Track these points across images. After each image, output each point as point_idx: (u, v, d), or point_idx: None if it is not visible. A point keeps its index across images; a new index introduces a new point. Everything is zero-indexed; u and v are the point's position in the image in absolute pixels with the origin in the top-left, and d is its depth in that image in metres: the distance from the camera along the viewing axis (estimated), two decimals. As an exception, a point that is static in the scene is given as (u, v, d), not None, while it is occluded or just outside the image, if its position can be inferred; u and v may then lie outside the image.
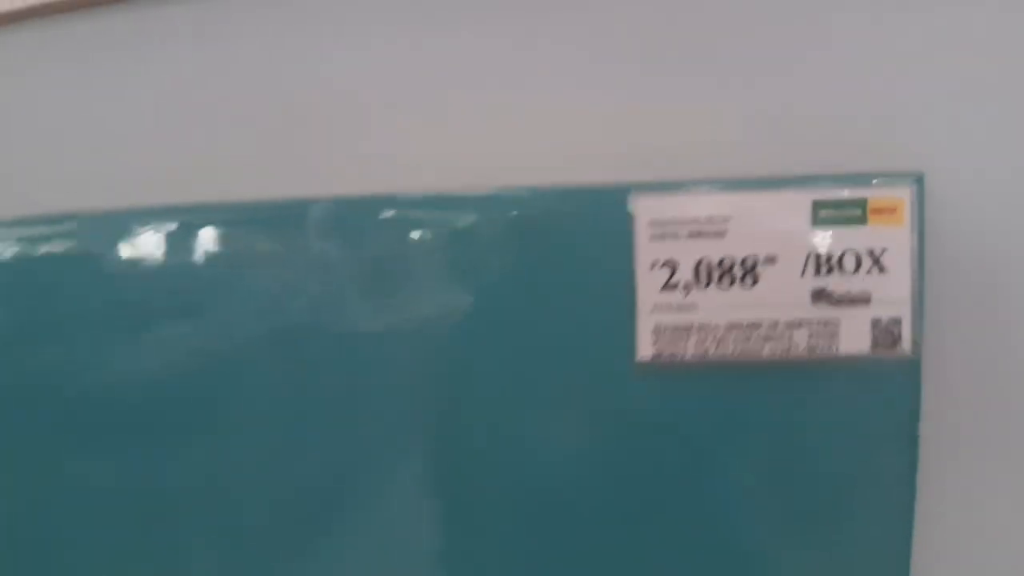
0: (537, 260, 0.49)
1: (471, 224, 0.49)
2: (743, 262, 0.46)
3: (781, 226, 0.46)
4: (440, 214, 0.50)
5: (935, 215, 0.47)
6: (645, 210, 0.47)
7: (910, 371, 0.47)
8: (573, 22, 0.52)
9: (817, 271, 0.46)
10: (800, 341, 0.46)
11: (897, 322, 0.46)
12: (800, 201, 0.46)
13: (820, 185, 0.46)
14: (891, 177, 0.46)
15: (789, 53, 0.48)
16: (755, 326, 0.47)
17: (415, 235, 0.50)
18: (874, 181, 0.46)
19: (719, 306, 0.47)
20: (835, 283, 0.46)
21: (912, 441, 0.47)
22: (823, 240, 0.46)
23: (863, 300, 0.46)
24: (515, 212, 0.49)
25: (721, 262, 0.46)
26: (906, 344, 0.46)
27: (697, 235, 0.47)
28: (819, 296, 0.46)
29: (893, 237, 0.46)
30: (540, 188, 0.48)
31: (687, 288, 0.47)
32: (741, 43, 0.49)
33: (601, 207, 0.48)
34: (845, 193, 0.46)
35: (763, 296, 0.46)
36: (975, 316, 0.48)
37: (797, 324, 0.46)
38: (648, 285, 0.47)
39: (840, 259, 0.46)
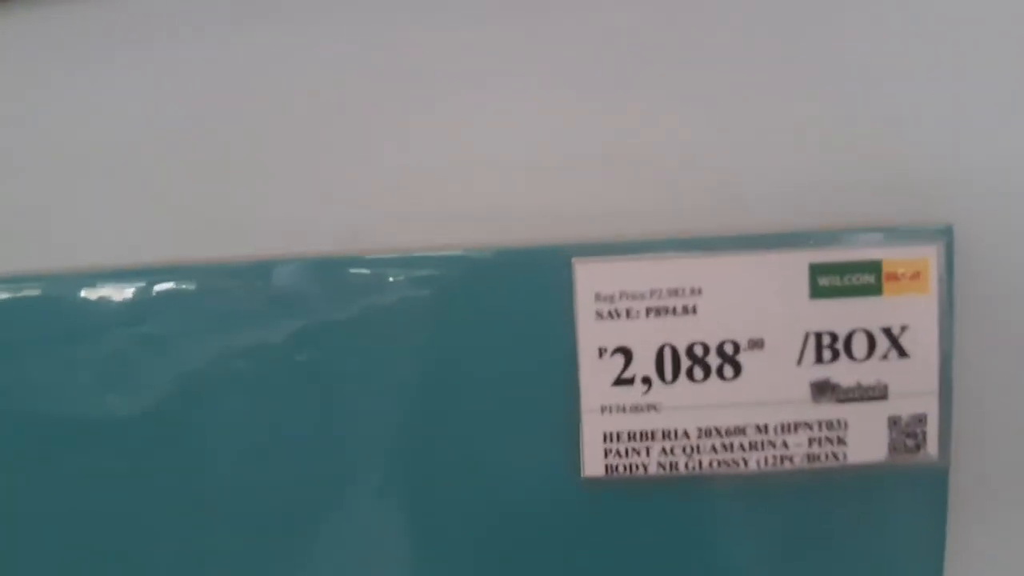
0: (450, 343, 0.36)
1: (367, 304, 0.36)
2: (720, 348, 0.35)
3: (770, 299, 0.35)
4: (319, 283, 0.37)
5: (966, 278, 0.35)
6: (589, 279, 0.35)
7: (935, 481, 0.36)
8: (527, 49, 0.40)
9: (818, 358, 0.35)
10: (797, 449, 0.35)
11: (921, 420, 0.35)
12: (794, 265, 0.34)
13: (819, 243, 0.35)
14: (912, 232, 0.35)
15: (774, 71, 0.36)
16: (738, 431, 0.35)
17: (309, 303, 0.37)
18: (890, 237, 0.35)
19: (690, 406, 0.35)
20: (842, 373, 0.35)
21: (935, 571, 0.36)
22: (825, 316, 0.35)
23: (878, 394, 0.35)
24: (424, 280, 0.36)
25: (691, 348, 0.35)
26: (932, 447, 0.35)
27: (659, 312, 0.35)
28: (821, 390, 0.35)
29: (916, 310, 0.35)
30: (447, 252, 0.36)
31: (647, 383, 0.35)
32: (715, 58, 0.36)
33: (528, 274, 0.35)
34: (853, 253, 0.35)
35: (748, 392, 0.35)
36: (1014, 406, 0.37)
37: (793, 427, 0.35)
38: (595, 379, 0.35)
39: (848, 341, 0.35)
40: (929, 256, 0.35)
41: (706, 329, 0.35)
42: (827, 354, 0.35)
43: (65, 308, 0.37)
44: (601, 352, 0.35)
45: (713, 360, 0.35)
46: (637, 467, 0.35)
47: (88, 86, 0.40)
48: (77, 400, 0.37)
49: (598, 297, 0.35)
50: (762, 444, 0.35)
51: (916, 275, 0.35)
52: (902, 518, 0.36)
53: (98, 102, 0.40)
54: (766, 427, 0.35)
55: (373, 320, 0.36)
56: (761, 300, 0.35)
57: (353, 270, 0.36)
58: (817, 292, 0.34)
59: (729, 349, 0.35)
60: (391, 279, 0.36)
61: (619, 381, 0.35)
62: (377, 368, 0.36)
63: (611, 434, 0.35)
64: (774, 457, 0.35)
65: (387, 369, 0.36)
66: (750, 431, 0.35)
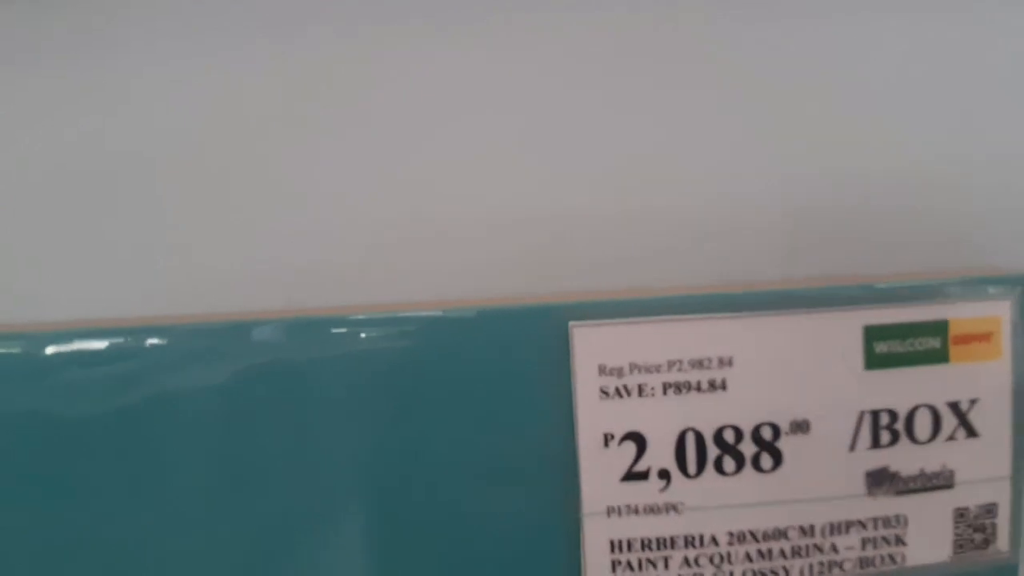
0: (415, 426, 0.28)
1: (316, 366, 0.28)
2: (756, 433, 0.28)
3: (817, 371, 0.28)
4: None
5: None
6: (590, 347, 0.27)
7: (1006, 580, 0.30)
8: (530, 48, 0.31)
9: (875, 442, 0.28)
10: (848, 553, 0.28)
11: (990, 510, 0.29)
12: (845, 328, 0.28)
13: (876, 300, 0.28)
14: (981, 283, 0.28)
15: (813, 92, 0.29)
16: (778, 535, 0.28)
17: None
18: (959, 289, 0.28)
19: (718, 506, 0.28)
20: (902, 459, 0.28)
21: None
22: (883, 390, 0.28)
23: (943, 482, 0.28)
24: (377, 345, 0.28)
25: (720, 433, 0.27)
26: (1002, 542, 0.29)
27: (680, 389, 0.27)
28: (878, 481, 0.28)
29: (986, 379, 0.28)
30: (403, 312, 0.28)
31: (665, 477, 0.28)
32: (743, 66, 0.29)
33: (513, 341, 0.28)
34: (917, 312, 0.28)
35: (790, 486, 0.28)
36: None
37: (844, 527, 0.28)
38: (599, 473, 0.28)
39: (909, 420, 0.28)
40: (1001, 313, 0.28)
41: (738, 409, 0.27)
42: (885, 436, 0.28)
43: None
44: (607, 439, 0.27)
45: (747, 448, 0.27)
46: (652, 582, 0.28)
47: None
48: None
49: (602, 370, 0.27)
50: (807, 549, 0.28)
51: (986, 336, 0.28)
52: (967, 628, 0.30)
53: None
54: (812, 528, 0.28)
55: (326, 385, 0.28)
56: (806, 372, 0.28)
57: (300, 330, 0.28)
58: (873, 361, 0.28)
59: (767, 434, 0.27)
60: (343, 343, 0.28)
61: (630, 475, 0.28)
62: (334, 449, 0.28)
63: (620, 542, 0.28)
64: (821, 564, 0.28)
65: (339, 452, 0.28)
66: (792, 534, 0.28)
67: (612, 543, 0.28)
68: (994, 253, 0.30)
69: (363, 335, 0.28)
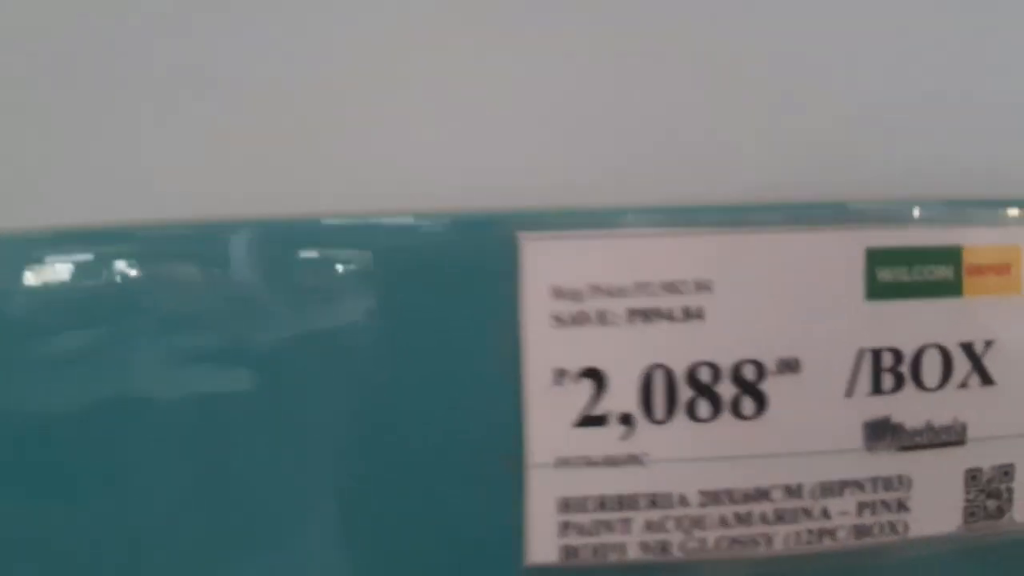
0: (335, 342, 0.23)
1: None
2: (737, 372, 0.23)
3: (810, 300, 0.23)
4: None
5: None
6: (543, 265, 0.23)
7: (1021, 558, 0.25)
8: None
9: (876, 386, 0.24)
10: (842, 519, 0.24)
11: (1007, 473, 0.25)
12: (845, 249, 0.23)
13: (881, 219, 0.24)
14: (1000, 206, 0.24)
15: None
16: (760, 496, 0.24)
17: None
18: (974, 213, 0.24)
19: (690, 458, 0.23)
20: (907, 408, 0.24)
21: None
22: (886, 325, 0.24)
23: (954, 438, 0.24)
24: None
25: (694, 372, 0.23)
26: (1019, 511, 0.25)
27: (648, 316, 0.23)
28: (879, 433, 0.24)
29: (1004, 317, 0.24)
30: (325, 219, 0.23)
31: (627, 422, 0.23)
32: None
33: (450, 256, 0.23)
34: (927, 235, 0.24)
35: (775, 437, 0.23)
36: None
37: (838, 488, 0.24)
38: (548, 417, 0.23)
39: (916, 362, 0.24)
40: (1021, 242, 0.24)
41: (716, 343, 0.23)
42: (888, 380, 0.24)
43: None
44: (559, 376, 0.23)
45: (726, 390, 0.23)
46: (611, 550, 0.23)
47: None
48: None
49: (557, 293, 0.23)
50: (793, 514, 0.24)
51: (1005, 268, 0.24)
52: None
53: None
54: (799, 488, 0.24)
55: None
56: (796, 301, 0.23)
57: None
58: (876, 291, 0.23)
59: (750, 373, 0.23)
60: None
61: (585, 420, 0.23)
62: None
63: (571, 500, 0.23)
64: (810, 532, 0.24)
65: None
66: (776, 495, 0.23)
67: (561, 502, 0.23)
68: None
69: (269, 241, 0.23)
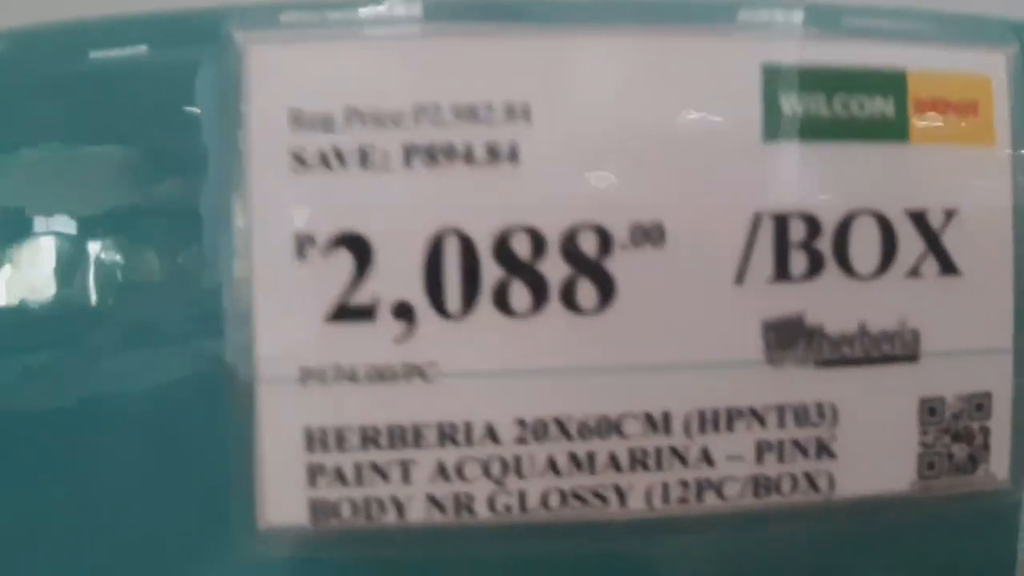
0: None
1: None
2: (570, 242, 0.15)
3: (676, 138, 0.16)
4: None
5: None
6: (276, 80, 0.15)
7: (1001, 527, 0.17)
8: None
9: (781, 270, 0.16)
10: (733, 467, 0.16)
11: (980, 405, 0.17)
12: (729, 67, 0.16)
13: (781, 26, 0.16)
14: (965, 24, 0.17)
15: None
16: (608, 430, 0.16)
17: None
18: (926, 29, 0.17)
19: (500, 372, 0.16)
20: (828, 302, 0.16)
21: None
22: (795, 180, 0.16)
23: (901, 351, 0.16)
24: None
25: (505, 240, 0.15)
26: (998, 463, 0.17)
27: (434, 157, 0.15)
28: (787, 339, 0.16)
29: (971, 177, 0.17)
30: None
31: (405, 317, 0.15)
32: None
33: (145, 70, 0.16)
34: (854, 52, 0.16)
35: (628, 342, 0.16)
36: None
37: (726, 421, 0.16)
38: (285, 306, 0.15)
39: (841, 236, 0.16)
40: (991, 71, 0.17)
41: (539, 199, 0.15)
42: (798, 261, 0.16)
43: None
44: (302, 245, 0.15)
45: (553, 268, 0.15)
46: (384, 508, 0.16)
47: None
48: None
49: (297, 120, 0.15)
50: (658, 457, 0.16)
51: (969, 107, 0.17)
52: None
53: None
54: (666, 420, 0.16)
55: None
56: (658, 139, 0.16)
57: None
58: (777, 129, 0.16)
59: (589, 245, 0.15)
60: None
61: (342, 312, 0.15)
62: None
63: (322, 433, 0.16)
64: (683, 485, 0.16)
65: None
66: (632, 428, 0.16)
67: (308, 434, 0.16)
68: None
69: None
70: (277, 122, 0.15)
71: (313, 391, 0.15)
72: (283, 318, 0.15)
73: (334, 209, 0.15)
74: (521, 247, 0.15)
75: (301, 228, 0.15)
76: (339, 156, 0.15)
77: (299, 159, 0.15)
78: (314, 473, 0.16)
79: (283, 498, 0.16)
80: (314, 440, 0.16)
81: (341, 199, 0.15)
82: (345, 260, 0.15)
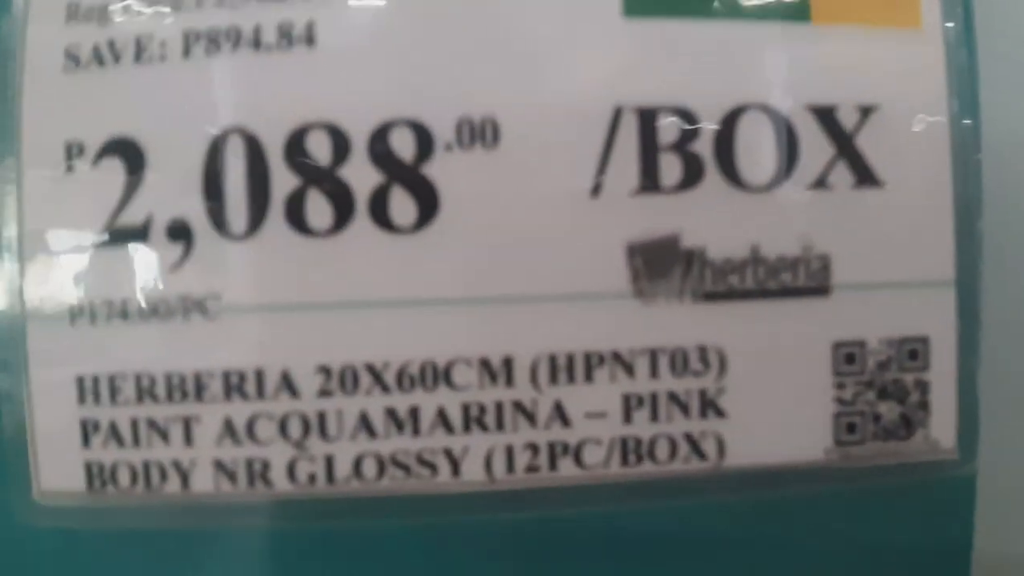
0: None
1: None
2: (378, 141, 0.13)
3: (513, 12, 0.13)
4: None
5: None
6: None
7: (951, 503, 0.14)
8: None
9: (649, 177, 0.13)
10: (593, 427, 0.13)
11: (915, 353, 0.13)
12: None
13: None
14: None
15: None
16: (434, 378, 0.13)
17: None
18: None
19: (300, 305, 0.13)
20: (708, 220, 0.13)
21: None
22: (666, 67, 0.13)
23: (807, 281, 0.13)
24: None
25: (301, 137, 0.13)
26: (941, 426, 0.13)
27: (216, 42, 0.13)
28: (657, 265, 0.13)
29: (892, 65, 0.13)
30: None
31: (182, 238, 0.13)
32: None
33: None
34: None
35: (457, 265, 0.13)
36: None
37: (584, 369, 0.13)
38: (53, 223, 0.13)
39: (725, 133, 0.13)
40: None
41: (339, 88, 0.13)
42: (671, 167, 0.13)
43: None
44: (72, 154, 0.13)
45: (359, 174, 0.13)
46: (165, 473, 0.13)
47: None
48: None
49: (72, 14, 0.13)
50: (499, 415, 0.13)
51: (895, -16, 0.13)
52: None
53: None
54: (508, 366, 0.13)
55: None
56: (489, 13, 0.13)
57: None
58: (640, 2, 0.13)
59: (404, 144, 0.13)
60: None
61: (112, 235, 0.13)
62: None
63: (94, 382, 0.13)
64: (532, 450, 0.13)
65: None
66: (464, 377, 0.13)
67: (80, 383, 0.13)
68: None
69: None
70: (52, 17, 0.13)
71: (83, 332, 0.13)
72: (51, 244, 0.13)
73: (105, 112, 0.13)
74: (320, 149, 0.12)
75: (71, 136, 0.13)
76: (113, 50, 0.13)
77: (72, 57, 0.13)
78: (87, 430, 0.13)
79: (56, 461, 0.13)
80: (86, 391, 0.13)
81: (112, 101, 0.13)
82: (115, 171, 0.13)
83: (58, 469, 0.13)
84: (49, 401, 0.13)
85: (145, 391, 0.13)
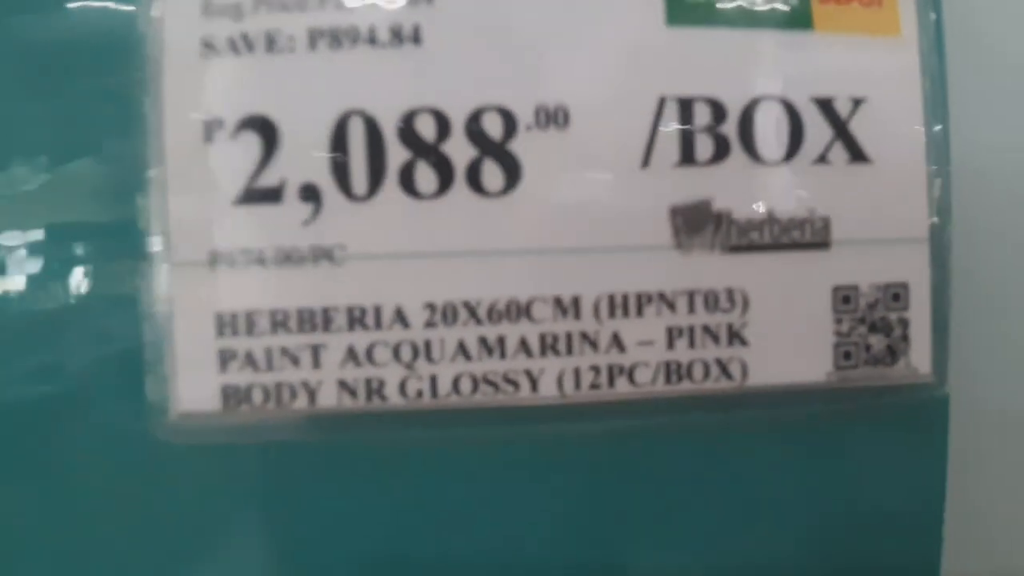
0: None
1: None
2: (475, 123, 0.16)
3: (580, 22, 0.16)
4: None
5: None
6: (191, -30, 0.16)
7: (927, 424, 0.17)
8: None
9: (686, 154, 0.16)
10: (643, 352, 0.16)
11: (899, 297, 0.17)
12: (634, -49, 0.16)
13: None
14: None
15: None
16: (518, 314, 0.16)
17: None
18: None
19: (409, 254, 0.16)
20: (736, 188, 0.16)
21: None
22: (698, 65, 0.16)
23: (812, 237, 0.16)
24: None
25: (411, 121, 0.15)
26: (919, 355, 0.17)
27: (338, 40, 0.16)
28: (694, 223, 0.16)
29: (876, 66, 0.17)
30: None
31: (311, 197, 0.16)
32: None
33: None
34: (755, -69, 0.16)
35: (534, 223, 0.16)
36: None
37: (635, 306, 0.16)
38: (195, 189, 0.16)
39: (746, 120, 0.16)
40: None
41: (443, 81, 0.16)
42: (704, 146, 0.16)
43: None
44: (211, 129, 0.15)
45: (459, 150, 0.16)
46: (295, 393, 0.16)
47: None
48: None
49: (208, 7, 0.16)
50: (568, 342, 0.16)
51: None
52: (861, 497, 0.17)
53: None
54: (576, 304, 0.16)
55: None
56: (553, 23, 0.16)
57: None
58: (681, 12, 0.16)
59: (494, 127, 0.16)
60: None
61: (250, 195, 0.16)
62: None
63: (232, 317, 0.16)
64: (594, 371, 0.16)
65: None
66: (541, 312, 0.16)
67: (219, 319, 0.16)
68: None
69: None
70: (189, 7, 0.16)
71: (222, 275, 0.16)
72: (192, 202, 0.16)
73: (242, 94, 0.16)
74: (426, 129, 0.15)
75: (211, 113, 0.15)
76: (246, 41, 0.16)
77: (209, 45, 0.16)
78: (225, 359, 0.16)
79: (194, 385, 0.16)
80: (224, 325, 0.16)
81: (249, 84, 0.16)
82: (253, 144, 0.15)
83: (196, 393, 0.16)
84: (190, 335, 0.16)
85: (279, 324, 0.16)
